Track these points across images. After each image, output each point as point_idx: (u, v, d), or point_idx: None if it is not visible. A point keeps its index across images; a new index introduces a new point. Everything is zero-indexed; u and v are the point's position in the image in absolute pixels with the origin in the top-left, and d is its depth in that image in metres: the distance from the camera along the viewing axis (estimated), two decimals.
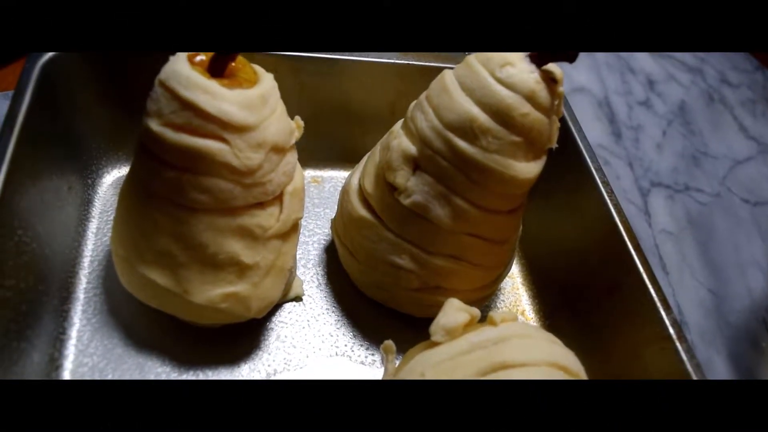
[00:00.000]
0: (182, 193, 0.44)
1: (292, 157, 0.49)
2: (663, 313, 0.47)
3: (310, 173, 0.65)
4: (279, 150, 0.46)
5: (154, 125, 0.43)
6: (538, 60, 0.45)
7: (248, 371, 0.50)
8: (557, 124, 0.48)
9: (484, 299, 0.54)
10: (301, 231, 0.60)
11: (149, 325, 0.51)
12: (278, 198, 0.48)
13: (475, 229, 0.48)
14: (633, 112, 0.89)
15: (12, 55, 0.71)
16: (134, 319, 0.51)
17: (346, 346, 0.53)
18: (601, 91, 0.90)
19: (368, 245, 0.51)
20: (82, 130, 0.57)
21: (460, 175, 0.46)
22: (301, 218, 0.50)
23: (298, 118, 0.49)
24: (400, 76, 0.61)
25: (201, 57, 0.44)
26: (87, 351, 0.49)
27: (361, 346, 0.53)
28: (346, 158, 0.65)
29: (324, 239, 0.61)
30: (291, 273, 0.52)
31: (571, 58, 0.45)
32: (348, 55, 0.59)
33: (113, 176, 0.60)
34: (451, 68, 0.48)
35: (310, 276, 0.57)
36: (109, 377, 0.48)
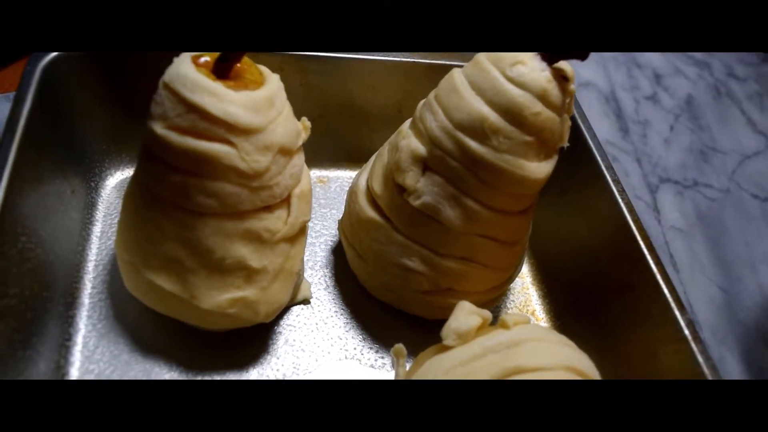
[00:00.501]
0: (188, 197, 0.43)
1: (299, 159, 0.48)
2: (677, 313, 0.47)
3: (316, 173, 0.64)
4: (286, 152, 0.45)
5: (159, 128, 0.42)
6: (549, 58, 0.44)
7: (257, 376, 0.49)
8: (568, 123, 0.47)
9: (495, 300, 0.53)
10: (309, 233, 0.59)
11: (156, 330, 0.50)
12: (286, 201, 0.47)
13: (486, 231, 0.48)
14: (640, 107, 0.88)
15: (12, 55, 0.70)
16: (140, 324, 0.50)
17: (355, 349, 0.52)
18: (608, 86, 0.89)
19: (377, 247, 0.50)
20: (84, 132, 0.56)
21: (471, 176, 0.45)
22: (308, 221, 0.49)
23: (305, 119, 0.48)
24: (407, 75, 0.60)
25: (206, 58, 0.43)
26: (93, 357, 0.48)
27: (371, 349, 0.53)
28: (352, 158, 0.64)
29: (331, 240, 0.60)
30: (299, 276, 0.51)
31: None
32: (353, 54, 0.58)
33: (116, 179, 0.59)
34: (460, 66, 0.47)
35: (317, 278, 0.57)
36: None
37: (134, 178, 0.46)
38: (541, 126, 0.44)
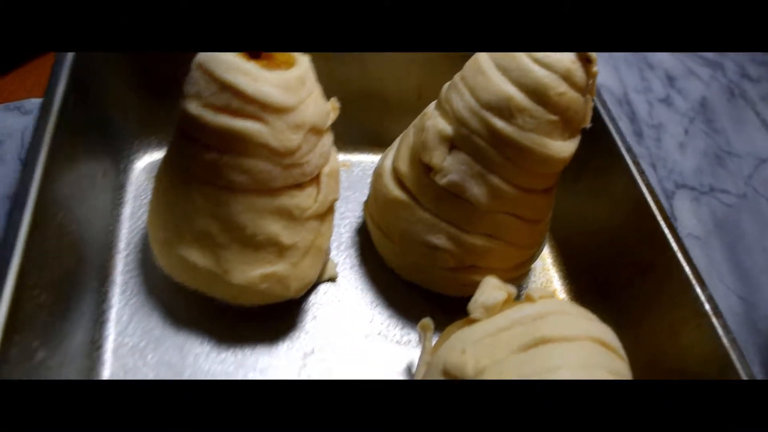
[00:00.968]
0: (221, 174, 0.44)
1: (328, 138, 0.49)
2: (698, 289, 0.48)
3: (339, 158, 0.65)
4: (317, 131, 0.47)
5: (193, 108, 0.43)
6: None
7: (286, 350, 0.51)
8: (591, 104, 0.48)
9: (518, 278, 0.54)
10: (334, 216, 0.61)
11: (187, 306, 0.51)
12: (316, 179, 0.48)
13: (510, 208, 0.49)
14: (654, 110, 0.88)
15: (12, 62, 0.71)
16: (172, 301, 0.52)
17: (381, 325, 0.54)
18: (620, 89, 0.89)
19: (404, 226, 0.51)
20: (115, 117, 0.57)
21: (497, 154, 0.46)
22: (337, 199, 0.50)
23: (334, 99, 0.49)
24: (426, 62, 0.61)
25: None
26: (126, 332, 0.49)
27: (396, 326, 0.54)
28: (374, 143, 0.65)
29: (355, 222, 0.61)
30: (327, 254, 0.53)
31: None
32: None
33: (145, 162, 0.60)
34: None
35: (343, 258, 0.58)
36: (149, 358, 0.48)
37: (167, 157, 0.48)
38: (565, 105, 0.45)
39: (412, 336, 0.53)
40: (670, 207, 0.75)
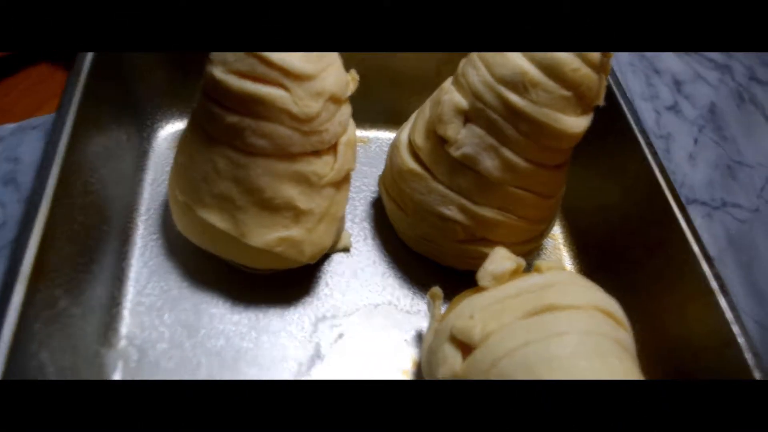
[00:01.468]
0: (242, 138, 0.46)
1: (347, 109, 0.50)
2: (705, 267, 0.48)
3: (357, 133, 0.66)
4: (336, 100, 0.48)
5: (219, 73, 0.44)
6: None
7: (298, 315, 0.52)
8: (605, 82, 0.49)
9: (527, 254, 0.55)
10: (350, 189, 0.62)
11: (204, 270, 0.53)
12: (333, 148, 0.49)
13: (522, 182, 0.50)
14: (662, 119, 0.86)
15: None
16: (189, 264, 0.53)
17: (392, 295, 0.55)
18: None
19: (417, 197, 0.52)
20: (140, 88, 0.59)
21: (510, 128, 0.47)
22: (353, 169, 0.51)
23: (353, 71, 0.51)
24: None
25: None
26: (144, 292, 0.51)
27: (407, 296, 0.55)
28: (392, 120, 0.66)
29: (370, 196, 0.62)
30: (341, 222, 0.54)
31: None
32: None
33: (167, 131, 0.62)
34: None
35: (357, 230, 0.59)
36: (165, 317, 0.50)
37: (191, 122, 0.49)
38: (579, 81, 0.46)
39: (422, 306, 0.54)
40: None
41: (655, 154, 0.55)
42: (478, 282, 0.47)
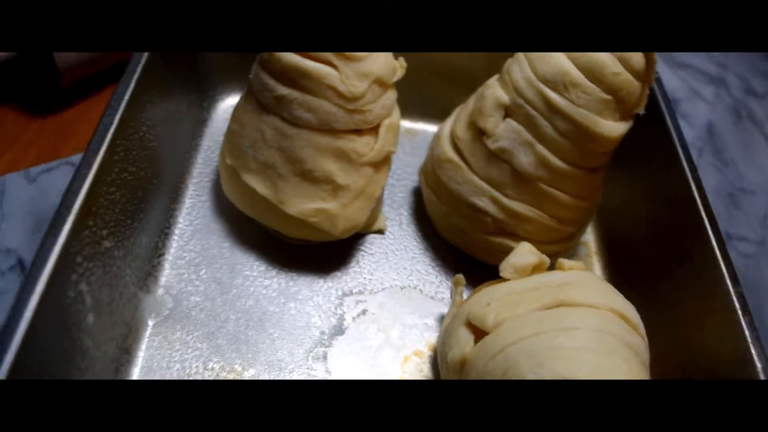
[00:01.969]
0: (289, 110, 0.48)
1: (392, 94, 0.52)
2: (730, 284, 0.48)
3: (405, 125, 0.68)
4: (382, 84, 0.50)
5: None
6: None
7: (326, 287, 0.54)
8: (647, 91, 0.50)
9: (555, 255, 0.55)
10: (391, 175, 0.64)
11: (244, 234, 0.56)
12: (375, 129, 0.52)
13: (555, 181, 0.51)
14: None
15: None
16: (231, 228, 0.56)
17: (419, 280, 0.56)
18: None
19: (453, 186, 0.54)
20: (206, 61, 0.63)
21: (548, 126, 0.49)
22: (393, 152, 0.53)
23: (402, 59, 0.53)
24: None
25: None
26: (186, 247, 0.54)
27: (433, 283, 0.56)
28: (440, 114, 0.67)
29: (411, 185, 0.64)
30: (378, 203, 0.56)
31: None
32: None
33: (227, 103, 0.66)
34: None
35: (393, 215, 0.61)
36: (202, 272, 0.53)
37: (247, 91, 0.52)
38: (619, 86, 0.47)
39: (446, 294, 0.56)
40: None
41: (694, 169, 0.55)
42: (500, 272, 0.48)
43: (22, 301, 0.37)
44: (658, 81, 0.61)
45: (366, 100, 0.49)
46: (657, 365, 0.45)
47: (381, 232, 0.59)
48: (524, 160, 0.50)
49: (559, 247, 0.55)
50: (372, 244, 0.58)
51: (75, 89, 0.67)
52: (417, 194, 0.63)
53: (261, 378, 0.48)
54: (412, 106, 0.68)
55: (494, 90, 0.51)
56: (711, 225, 0.51)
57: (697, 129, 0.86)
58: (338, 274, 0.55)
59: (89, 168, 0.44)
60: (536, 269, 0.49)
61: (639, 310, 0.46)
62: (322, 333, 0.52)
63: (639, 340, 0.44)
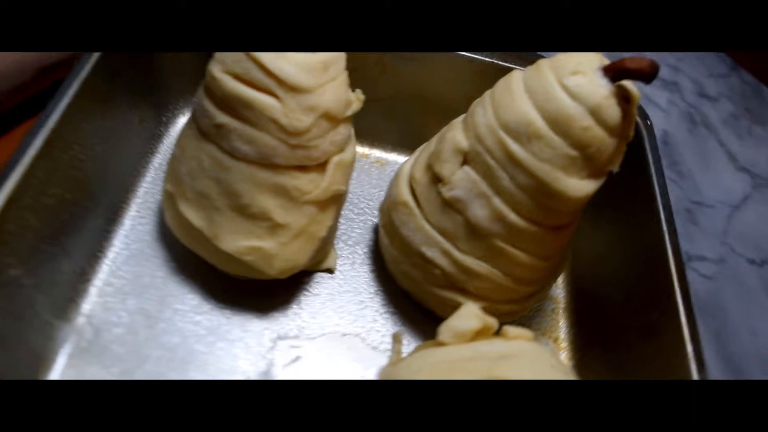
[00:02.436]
0: (228, 140, 0.45)
1: (346, 129, 0.48)
2: (695, 369, 0.43)
3: (376, 154, 0.65)
4: (331, 118, 0.46)
5: (216, 70, 0.44)
6: (613, 74, 0.42)
7: (260, 328, 0.50)
8: (623, 148, 0.45)
9: (511, 314, 0.51)
10: (351, 209, 0.60)
11: (181, 264, 0.52)
12: (322, 165, 0.48)
13: (511, 238, 0.46)
14: None
15: None
16: (169, 256, 0.53)
17: (363, 328, 0.52)
18: None
19: (405, 232, 0.50)
20: (168, 71, 0.59)
21: (506, 178, 0.44)
22: (343, 191, 0.49)
23: (359, 91, 0.49)
24: (482, 74, 0.59)
25: None
26: (118, 273, 0.51)
27: (378, 332, 0.52)
28: (414, 145, 0.63)
29: (371, 220, 0.60)
30: (327, 242, 0.52)
31: (647, 78, 0.42)
32: None
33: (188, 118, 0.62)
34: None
35: (347, 253, 0.57)
36: (130, 302, 0.50)
37: (191, 116, 0.49)
38: (587, 142, 0.42)
39: (391, 346, 0.52)
40: None
41: (673, 233, 0.50)
42: (438, 336, 0.44)
43: None
44: (649, 128, 0.56)
45: (311, 135, 0.45)
46: None
47: (330, 271, 0.55)
48: (479, 212, 0.46)
49: (514, 307, 0.51)
50: (318, 283, 0.54)
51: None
52: (377, 231, 0.59)
53: None
54: (385, 134, 0.64)
55: (455, 133, 0.47)
56: (683, 299, 0.47)
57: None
58: (275, 315, 0.52)
59: None
60: (480, 334, 0.44)
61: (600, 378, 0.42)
62: (248, 379, 0.48)
63: None
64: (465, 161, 0.46)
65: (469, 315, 0.44)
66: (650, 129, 0.57)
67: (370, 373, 0.50)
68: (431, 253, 0.48)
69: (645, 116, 0.57)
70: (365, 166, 0.64)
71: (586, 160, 0.43)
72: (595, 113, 0.42)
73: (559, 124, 0.42)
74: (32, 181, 0.43)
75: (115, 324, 0.48)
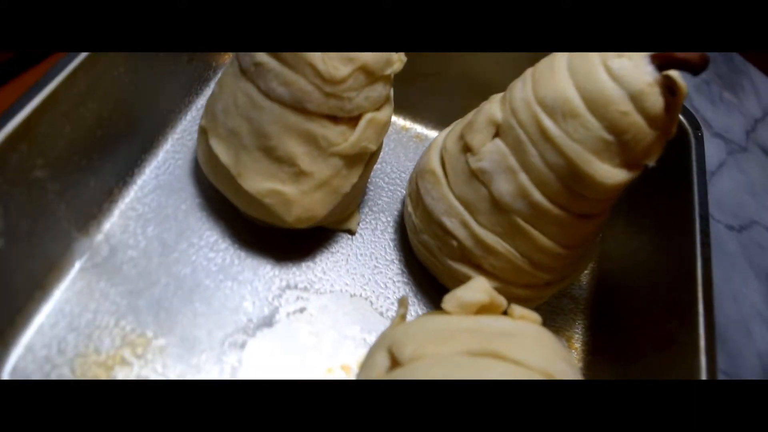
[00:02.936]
0: (264, 79, 0.45)
1: (384, 88, 0.48)
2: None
3: (417, 129, 0.64)
4: (369, 73, 0.46)
5: None
6: (660, 62, 0.40)
7: (271, 275, 0.50)
8: (663, 143, 0.43)
9: (526, 301, 0.49)
10: (382, 177, 0.59)
11: (206, 202, 0.53)
12: (355, 120, 0.47)
13: (533, 218, 0.45)
14: None
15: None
16: (196, 192, 0.54)
17: (373, 292, 0.52)
18: None
19: (428, 201, 0.49)
20: None
21: (536, 154, 0.43)
22: (372, 150, 0.49)
23: (402, 54, 0.48)
24: (532, 58, 0.58)
25: None
26: (143, 200, 0.52)
27: (388, 298, 0.52)
28: None
29: (400, 191, 0.59)
30: (351, 201, 0.51)
31: (696, 69, 0.40)
32: None
33: None
34: None
35: (370, 218, 0.56)
36: (149, 229, 0.50)
37: (234, 54, 0.49)
38: (624, 128, 0.41)
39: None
40: None
41: (707, 245, 0.47)
42: (443, 304, 0.43)
43: None
44: (699, 139, 0.54)
45: (347, 86, 0.45)
46: None
47: (351, 232, 0.55)
48: (504, 187, 0.45)
49: (530, 293, 0.49)
50: (337, 242, 0.54)
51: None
52: (404, 204, 0.58)
53: (168, 349, 0.45)
54: (427, 111, 0.63)
55: (491, 105, 0.46)
56: (705, 312, 0.44)
57: None
58: (289, 264, 0.51)
59: (36, 94, 0.42)
60: (485, 309, 0.43)
61: None
62: (250, 320, 0.48)
63: None
64: (497, 134, 0.45)
65: (477, 288, 0.43)
66: (700, 140, 0.54)
67: (370, 337, 0.49)
68: (450, 223, 0.47)
69: (697, 126, 0.55)
70: (403, 139, 0.63)
71: (621, 146, 0.41)
72: (635, 99, 0.40)
73: (596, 105, 0.41)
74: (72, 90, 0.44)
75: (131, 246, 0.49)
